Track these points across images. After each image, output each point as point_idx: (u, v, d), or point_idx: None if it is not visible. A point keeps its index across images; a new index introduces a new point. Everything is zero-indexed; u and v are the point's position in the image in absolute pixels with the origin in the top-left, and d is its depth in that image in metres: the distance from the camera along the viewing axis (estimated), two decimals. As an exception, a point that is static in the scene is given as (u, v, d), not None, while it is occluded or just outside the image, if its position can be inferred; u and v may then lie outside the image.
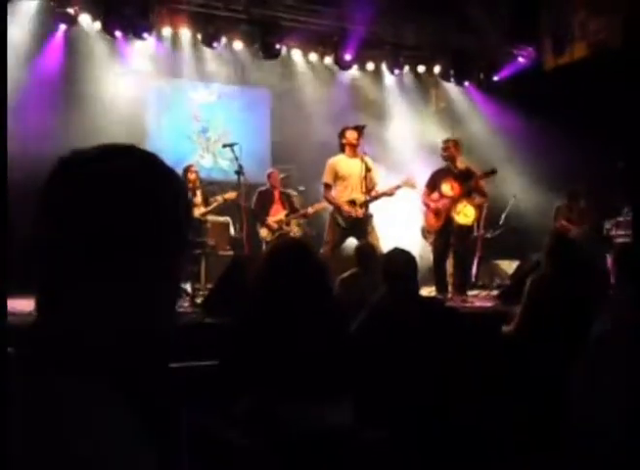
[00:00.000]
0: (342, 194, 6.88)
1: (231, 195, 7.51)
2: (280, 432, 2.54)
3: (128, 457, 0.75)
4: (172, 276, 0.90)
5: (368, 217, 6.82)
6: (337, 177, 6.91)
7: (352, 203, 6.81)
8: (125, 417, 0.78)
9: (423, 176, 7.41)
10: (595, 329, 2.49)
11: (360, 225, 6.76)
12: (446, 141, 7.31)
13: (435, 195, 7.15)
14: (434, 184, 7.15)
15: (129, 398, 0.79)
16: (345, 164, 6.92)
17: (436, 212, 7.05)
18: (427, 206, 7.14)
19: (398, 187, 6.86)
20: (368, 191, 6.83)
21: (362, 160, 6.83)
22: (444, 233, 7.02)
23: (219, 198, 7.60)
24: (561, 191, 8.45)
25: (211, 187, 8.39)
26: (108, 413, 0.77)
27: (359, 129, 6.90)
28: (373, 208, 7.00)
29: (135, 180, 0.86)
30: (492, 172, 7.16)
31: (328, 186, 6.97)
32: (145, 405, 0.81)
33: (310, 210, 8.33)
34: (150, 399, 0.85)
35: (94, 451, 0.73)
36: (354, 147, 6.91)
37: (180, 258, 0.92)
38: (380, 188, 6.93)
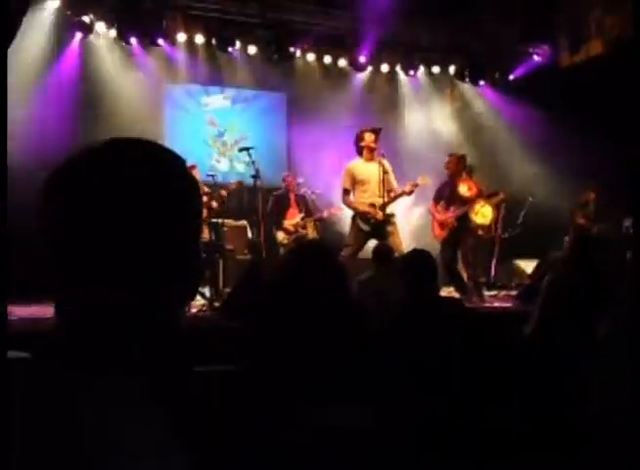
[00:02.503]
0: (361, 198, 6.84)
1: (233, 185, 7.46)
2: (298, 434, 2.54)
3: (162, 456, 0.75)
4: (186, 272, 0.90)
5: (389, 219, 6.78)
6: (355, 182, 6.87)
7: (372, 206, 6.77)
8: (159, 417, 0.78)
9: (438, 177, 7.41)
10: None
11: (382, 227, 6.71)
12: (450, 155, 7.39)
13: (441, 207, 7.20)
14: (439, 196, 7.22)
15: (162, 397, 0.80)
16: (363, 168, 6.88)
17: (441, 224, 7.13)
18: (433, 216, 7.25)
19: (416, 185, 6.81)
20: (387, 194, 6.79)
21: (380, 163, 6.78)
22: (450, 243, 7.06)
23: (223, 191, 7.51)
24: (578, 189, 8.39)
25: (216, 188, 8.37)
26: (142, 412, 0.77)
27: (377, 132, 6.86)
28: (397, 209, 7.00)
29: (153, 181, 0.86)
30: (495, 194, 7.26)
31: (347, 191, 6.93)
32: (178, 406, 0.82)
33: (326, 213, 8.34)
34: (183, 400, 0.85)
35: (127, 450, 0.73)
36: (372, 150, 6.85)
37: (194, 256, 0.91)
38: (397, 189, 6.90)
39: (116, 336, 0.83)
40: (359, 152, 6.97)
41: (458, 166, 7.17)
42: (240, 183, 7.43)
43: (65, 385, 0.78)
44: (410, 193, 6.81)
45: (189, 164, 7.54)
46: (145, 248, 0.84)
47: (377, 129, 6.88)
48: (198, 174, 7.42)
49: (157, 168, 0.89)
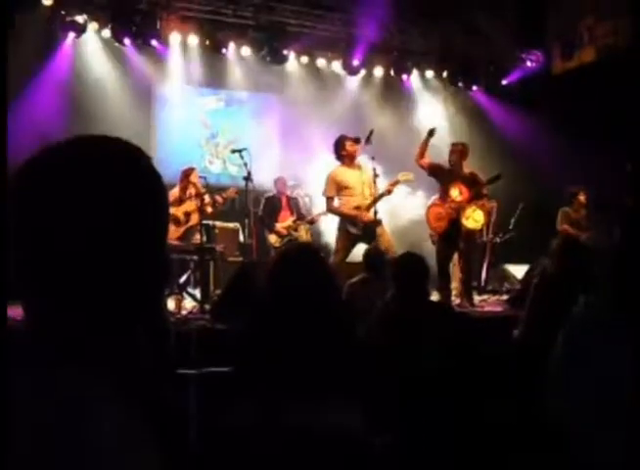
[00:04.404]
0: (347, 203, 6.85)
1: (230, 192, 7.47)
2: (287, 435, 2.53)
3: (125, 455, 0.75)
4: (156, 273, 0.89)
5: (377, 222, 6.78)
6: (339, 188, 6.86)
7: (358, 208, 6.77)
8: (126, 414, 0.78)
9: (430, 181, 7.41)
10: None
11: (370, 231, 6.71)
12: (455, 144, 7.28)
13: (436, 198, 7.16)
14: (434, 174, 7.14)
15: (130, 395, 0.80)
16: (346, 174, 6.88)
17: (439, 217, 7.01)
18: (427, 208, 7.11)
19: (397, 182, 6.84)
20: (371, 197, 6.79)
21: (360, 168, 6.83)
22: (448, 238, 6.97)
23: (218, 198, 7.52)
24: (569, 194, 8.42)
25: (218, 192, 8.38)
26: (108, 409, 0.77)
27: (359, 141, 6.86)
28: (385, 213, 6.96)
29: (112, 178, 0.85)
30: (497, 178, 7.11)
31: (330, 198, 6.94)
32: (148, 404, 0.82)
33: (317, 215, 8.34)
34: (152, 398, 0.85)
35: (90, 449, 0.73)
36: (354, 158, 6.89)
37: (161, 254, 0.91)
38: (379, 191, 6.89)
39: (84, 333, 0.83)
40: (340, 158, 6.96)
41: (462, 155, 7.11)
42: (237, 192, 7.39)
43: (31, 380, 0.78)
44: (390, 192, 6.80)
45: (187, 166, 7.60)
46: (109, 246, 0.83)
47: (358, 138, 6.86)
48: (197, 177, 7.41)
49: (120, 166, 0.87)
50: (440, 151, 8.00)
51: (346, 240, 6.84)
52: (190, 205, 7.19)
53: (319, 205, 8.56)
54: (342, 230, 6.89)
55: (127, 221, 0.84)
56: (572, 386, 2.04)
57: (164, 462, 0.79)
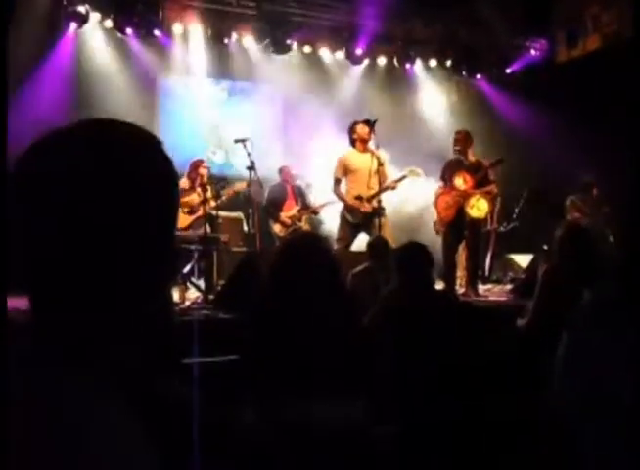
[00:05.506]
0: (351, 189, 6.87)
1: (241, 185, 7.44)
2: (288, 427, 2.53)
3: (124, 456, 0.74)
4: (164, 264, 0.85)
5: (379, 212, 6.75)
6: (347, 172, 6.90)
7: (359, 198, 6.77)
8: (126, 416, 0.77)
9: (435, 169, 7.38)
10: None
11: (371, 220, 6.70)
12: (458, 132, 7.25)
13: (447, 187, 7.12)
14: (444, 176, 7.11)
15: (131, 395, 0.78)
16: (356, 158, 6.90)
17: (447, 205, 6.97)
18: (437, 196, 7.06)
19: (403, 177, 6.83)
20: (379, 186, 6.75)
21: (373, 154, 6.77)
22: (455, 227, 6.93)
23: (229, 190, 7.53)
24: (573, 183, 8.39)
25: (224, 183, 8.37)
26: (107, 411, 0.76)
27: (370, 124, 6.84)
28: (387, 203, 6.93)
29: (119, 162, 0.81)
30: (498, 162, 7.08)
31: (337, 181, 6.96)
32: (148, 403, 0.80)
33: (320, 206, 8.32)
34: (153, 397, 0.83)
35: (89, 450, 0.72)
36: (365, 142, 6.87)
37: (170, 244, 0.86)
38: (389, 181, 6.87)
39: (86, 331, 0.80)
40: (352, 143, 6.99)
41: (467, 142, 7.09)
42: (248, 185, 7.32)
43: (32, 380, 0.76)
44: (394, 188, 6.80)
45: (197, 158, 7.59)
46: (116, 237, 0.78)
47: (370, 121, 6.85)
48: (205, 169, 7.41)
49: (131, 149, 0.84)
50: (446, 139, 7.99)
51: (346, 228, 6.88)
52: (198, 195, 7.19)
53: (320, 194, 8.54)
54: (342, 218, 6.93)
55: (140, 207, 0.80)
56: (576, 380, 2.04)
57: (165, 462, 0.78)
